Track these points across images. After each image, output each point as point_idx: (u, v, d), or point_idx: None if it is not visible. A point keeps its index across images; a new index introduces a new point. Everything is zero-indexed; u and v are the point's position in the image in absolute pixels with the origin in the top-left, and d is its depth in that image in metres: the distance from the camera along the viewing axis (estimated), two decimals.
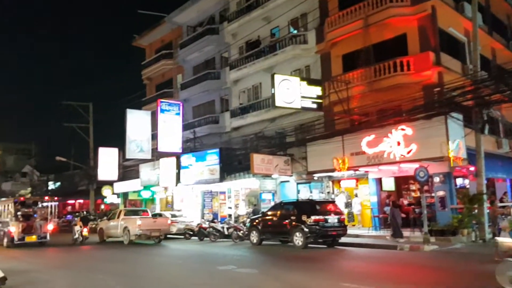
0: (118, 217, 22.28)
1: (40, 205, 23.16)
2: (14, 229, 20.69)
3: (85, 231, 22.00)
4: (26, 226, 20.95)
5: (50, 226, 21.91)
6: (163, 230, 21.20)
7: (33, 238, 20.82)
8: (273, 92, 20.69)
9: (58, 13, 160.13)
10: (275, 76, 21.01)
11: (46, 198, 23.95)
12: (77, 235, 21.88)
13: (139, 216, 21.68)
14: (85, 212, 34.32)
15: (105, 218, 25.80)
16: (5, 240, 21.03)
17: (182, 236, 23.21)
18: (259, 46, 26.75)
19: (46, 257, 17.20)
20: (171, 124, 28.41)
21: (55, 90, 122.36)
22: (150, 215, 22.96)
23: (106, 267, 13.14)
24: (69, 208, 45.98)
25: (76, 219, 24.72)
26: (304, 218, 16.14)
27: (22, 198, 24.35)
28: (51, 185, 52.23)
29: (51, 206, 22.95)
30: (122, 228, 21.38)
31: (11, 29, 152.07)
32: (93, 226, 26.85)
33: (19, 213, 21.82)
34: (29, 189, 55.81)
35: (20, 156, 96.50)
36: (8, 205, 22.63)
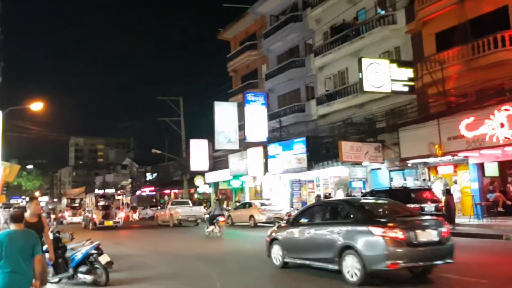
0: (166, 207, 29.21)
1: (115, 198, 30.03)
2: (96, 216, 26.67)
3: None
4: (104, 213, 27.04)
5: (122, 214, 28.60)
6: (197, 216, 26.44)
7: (110, 223, 26.58)
8: (360, 76, 19.96)
9: (148, 14, 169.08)
10: (363, 60, 20.24)
11: (118, 192, 32.96)
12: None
13: (179, 206, 27.81)
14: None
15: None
16: (90, 224, 26.91)
17: (272, 225, 23.44)
18: (344, 30, 25.97)
19: (142, 242, 18.37)
20: (257, 115, 28.70)
21: (149, 88, 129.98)
22: (190, 205, 28.89)
23: (197, 253, 13.64)
24: (165, 197, 48.66)
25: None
26: None
27: (101, 192, 32.65)
28: (149, 176, 55.63)
29: (123, 198, 30.94)
30: (169, 215, 27.43)
31: (114, 33, 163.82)
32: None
33: (99, 203, 28.21)
34: (129, 180, 59.96)
35: (120, 150, 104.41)
36: (92, 198, 29.25)
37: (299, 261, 9.58)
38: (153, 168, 55.33)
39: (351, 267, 7.91)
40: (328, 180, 25.95)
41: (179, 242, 18.64)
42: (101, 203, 28.28)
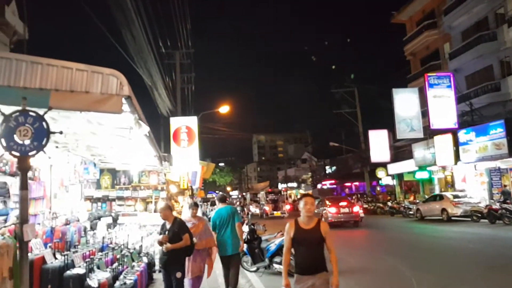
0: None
1: (281, 193, 37.46)
2: (268, 208, 34.22)
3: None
4: (273, 206, 34.19)
5: (287, 206, 35.37)
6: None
7: (278, 213, 33.25)
8: None
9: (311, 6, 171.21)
10: None
11: (283, 189, 43.32)
12: None
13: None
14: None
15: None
16: (263, 214, 33.77)
17: (469, 219, 21.19)
18: None
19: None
20: (442, 99, 26.43)
21: (322, 81, 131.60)
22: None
23: (383, 248, 13.02)
24: (346, 190, 48.50)
25: None
26: None
27: (269, 189, 40.63)
28: (328, 169, 56.19)
29: (286, 194, 39.75)
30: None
31: (287, 31, 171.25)
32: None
33: (268, 198, 35.56)
34: (310, 173, 61.52)
35: (298, 144, 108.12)
36: (264, 193, 37.84)
37: None
38: (331, 161, 55.66)
39: None
40: None
41: (363, 235, 18.22)
42: (270, 197, 35.55)
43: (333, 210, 21.26)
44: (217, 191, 67.14)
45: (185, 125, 16.71)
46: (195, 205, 7.52)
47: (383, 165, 35.87)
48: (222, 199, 7.87)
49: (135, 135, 7.09)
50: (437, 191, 28.12)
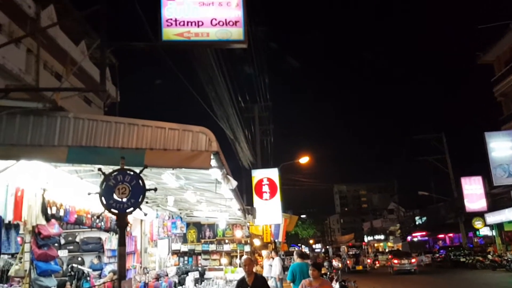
0: None
1: (362, 247, 39.15)
2: (349, 261, 33.69)
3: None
4: (355, 260, 33.61)
5: (368, 260, 35.85)
6: None
7: (360, 267, 32.62)
8: None
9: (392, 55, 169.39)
10: None
11: (364, 243, 45.11)
12: None
13: None
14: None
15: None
16: (346, 268, 32.46)
17: None
18: None
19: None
20: None
21: (404, 128, 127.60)
22: None
23: None
24: (440, 242, 45.17)
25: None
26: None
27: (350, 244, 42.72)
28: (418, 220, 52.97)
29: (365, 248, 42.47)
30: None
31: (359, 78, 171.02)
32: None
33: (349, 252, 36.13)
34: (398, 225, 58.33)
35: (383, 194, 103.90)
36: (345, 247, 38.55)
37: None
38: (421, 211, 52.50)
39: None
40: None
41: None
42: (351, 251, 36.75)
43: (395, 261, 28.87)
44: (299, 244, 65.67)
45: (266, 177, 16.83)
46: (314, 266, 6.39)
47: (480, 214, 33.09)
48: (301, 255, 8.85)
49: (221, 189, 7.23)
50: None
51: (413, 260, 28.90)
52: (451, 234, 42.99)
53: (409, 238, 50.36)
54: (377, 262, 39.19)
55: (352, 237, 74.97)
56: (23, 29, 16.48)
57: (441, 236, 45.14)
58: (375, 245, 64.54)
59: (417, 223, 52.44)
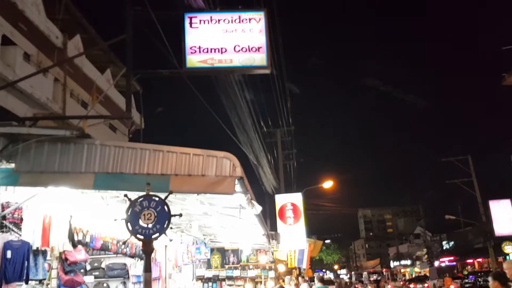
0: None
1: (383, 274, 40.17)
2: (369, 287, 34.80)
3: None
4: (376, 285, 33.52)
5: (389, 286, 35.76)
6: None
7: None
8: None
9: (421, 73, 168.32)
10: None
11: (385, 269, 46.05)
12: None
13: None
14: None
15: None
16: None
17: None
18: None
19: None
20: None
21: (429, 150, 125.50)
22: None
23: None
24: (468, 267, 43.66)
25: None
26: None
27: (371, 270, 43.92)
28: (445, 245, 51.53)
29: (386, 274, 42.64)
30: None
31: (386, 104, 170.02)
32: None
33: (371, 278, 38.35)
34: (425, 250, 56.79)
35: (408, 218, 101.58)
36: (366, 273, 39.23)
37: None
38: (448, 236, 51.12)
39: None
40: None
41: None
42: (373, 277, 39.23)
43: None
44: (323, 270, 64.43)
45: (290, 202, 16.66)
46: None
47: (510, 238, 31.98)
48: (322, 280, 9.75)
49: (245, 214, 7.19)
50: None
51: (426, 285, 30.85)
52: (480, 259, 41.57)
53: (436, 263, 48.90)
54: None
55: (377, 263, 73.17)
56: (51, 59, 16.97)
57: (469, 261, 43.69)
58: (401, 270, 62.88)
59: (444, 247, 51.01)
